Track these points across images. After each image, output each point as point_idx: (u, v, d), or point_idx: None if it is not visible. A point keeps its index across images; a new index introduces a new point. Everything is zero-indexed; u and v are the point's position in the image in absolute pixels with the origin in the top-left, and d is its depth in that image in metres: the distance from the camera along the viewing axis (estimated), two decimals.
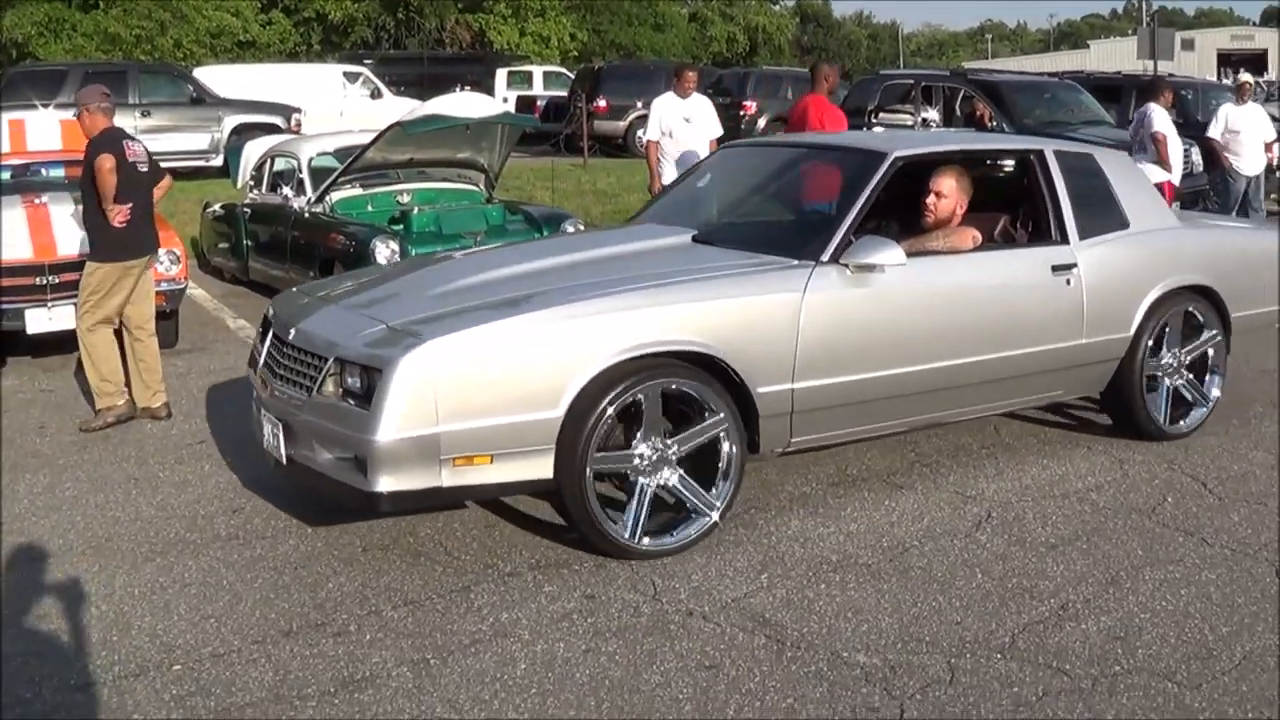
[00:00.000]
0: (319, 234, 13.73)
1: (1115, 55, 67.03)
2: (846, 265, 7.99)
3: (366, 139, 15.13)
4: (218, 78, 33.07)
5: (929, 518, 7.99)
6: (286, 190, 15.93)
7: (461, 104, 14.71)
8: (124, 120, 24.27)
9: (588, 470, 7.10)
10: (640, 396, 7.23)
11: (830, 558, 7.37)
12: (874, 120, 23.94)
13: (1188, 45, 78.20)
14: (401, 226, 13.91)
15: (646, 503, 7.36)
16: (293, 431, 7.52)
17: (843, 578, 7.07)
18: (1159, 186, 17.14)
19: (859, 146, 9.66)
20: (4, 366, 12.54)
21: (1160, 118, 17.07)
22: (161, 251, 12.65)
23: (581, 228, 14.94)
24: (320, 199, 14.76)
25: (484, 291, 7.82)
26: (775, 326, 7.73)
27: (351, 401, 7.02)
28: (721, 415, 7.48)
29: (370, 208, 14.78)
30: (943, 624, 6.46)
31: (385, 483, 6.84)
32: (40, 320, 12.37)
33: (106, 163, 10.16)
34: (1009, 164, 10.41)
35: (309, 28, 53.69)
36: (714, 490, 7.58)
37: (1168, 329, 9.64)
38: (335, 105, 35.11)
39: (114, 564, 7.46)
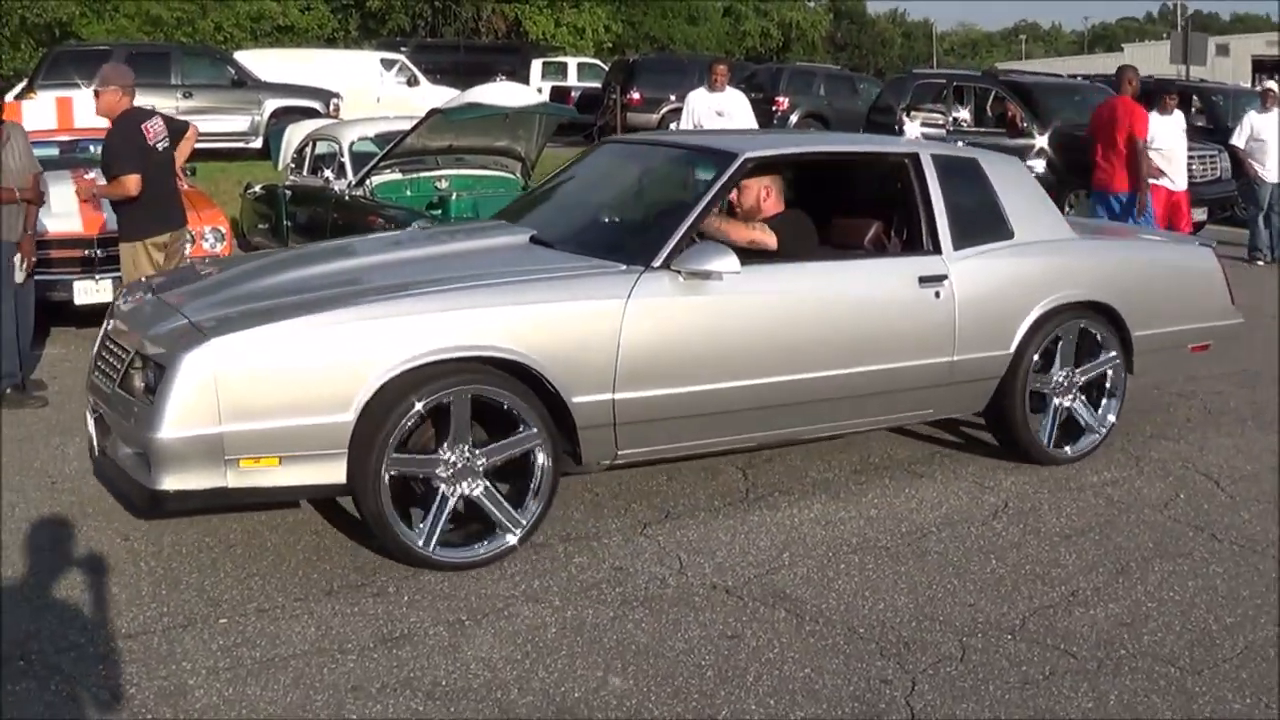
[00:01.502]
0: (359, 216, 13.79)
1: (1149, 59, 66.57)
2: (679, 271, 7.57)
3: (406, 125, 15.27)
4: (257, 62, 33.09)
5: (947, 505, 8.16)
6: (328, 173, 16.09)
7: (501, 93, 14.79)
8: (166, 101, 24.60)
9: (383, 476, 6.83)
10: (447, 402, 6.96)
11: (850, 540, 7.55)
12: (906, 119, 24.01)
13: (1222, 50, 77.26)
14: (439, 211, 14.01)
15: (445, 512, 7.07)
16: (103, 423, 7.44)
17: (862, 559, 7.25)
18: (1171, 197, 17.20)
19: (710, 146, 9.07)
20: (48, 336, 12.77)
21: (1154, 125, 16.97)
22: (207, 229, 12.93)
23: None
24: (361, 182, 14.87)
25: (300, 288, 7.52)
26: (594, 334, 7.31)
27: (143, 397, 6.81)
28: (535, 429, 7.14)
29: (409, 192, 14.86)
30: (956, 605, 6.64)
31: (168, 481, 6.60)
32: (87, 291, 12.62)
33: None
34: (884, 168, 9.47)
35: (347, 14, 53.78)
36: (522, 509, 7.25)
37: (1058, 347, 9.03)
38: (372, 91, 35.01)
39: (162, 524, 7.68)
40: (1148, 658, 6.10)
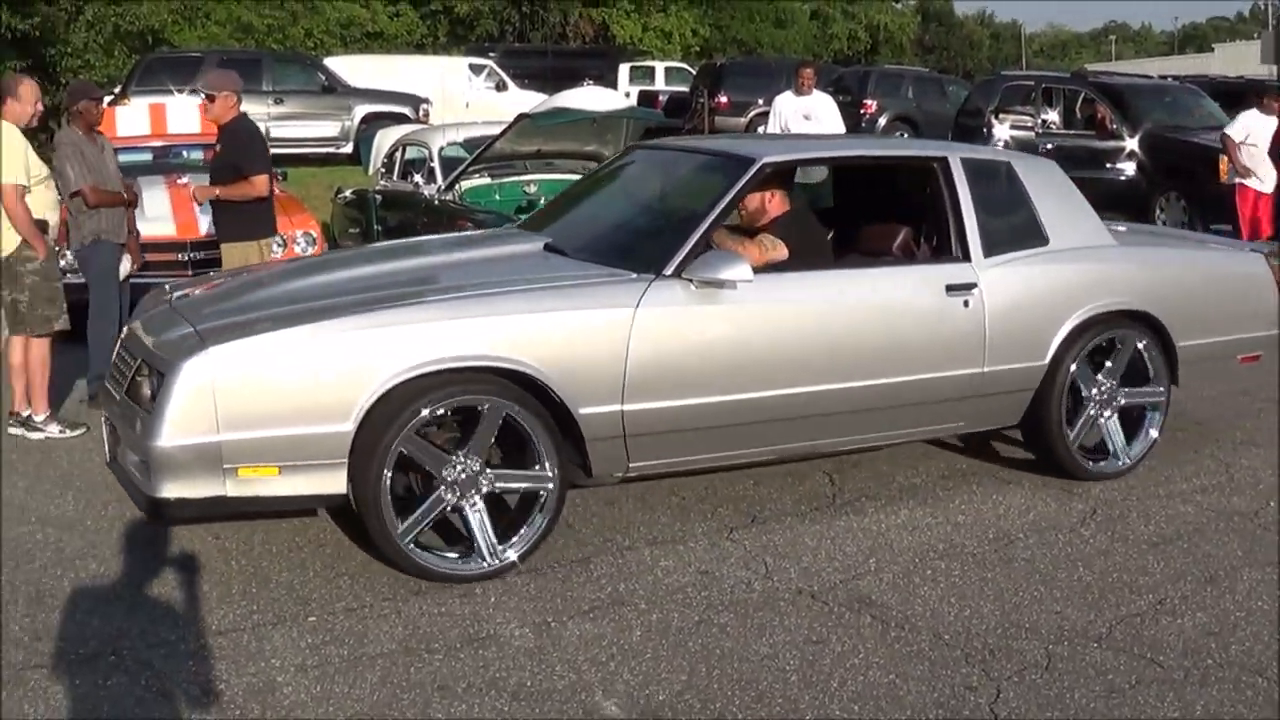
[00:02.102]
0: (448, 221, 13.80)
1: (1240, 59, 65.70)
2: (691, 280, 7.39)
3: (494, 130, 15.36)
4: (348, 68, 33.32)
5: (1035, 512, 8.10)
6: (417, 178, 16.20)
7: (588, 98, 14.86)
8: (257, 108, 24.77)
9: (384, 487, 6.76)
10: (445, 413, 6.91)
11: (937, 546, 7.53)
12: (995, 121, 23.88)
13: None
14: (528, 215, 14.10)
15: (434, 513, 6.98)
16: (115, 430, 7.38)
17: (948, 565, 7.23)
18: (1259, 198, 17.03)
19: (728, 152, 8.82)
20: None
21: (1244, 123, 16.75)
22: (298, 233, 13.07)
23: None
24: (450, 187, 14.95)
25: (308, 296, 7.51)
26: (601, 344, 7.14)
27: (147, 404, 6.75)
28: (550, 474, 7.05)
29: (498, 197, 14.93)
30: (1043, 613, 6.60)
31: (167, 489, 6.56)
32: None
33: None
34: (912, 173, 9.18)
35: (436, 20, 53.96)
36: (516, 536, 7.10)
37: (1097, 357, 8.74)
38: (461, 96, 35.22)
39: (252, 524, 7.77)
40: (1235, 668, 6.04)
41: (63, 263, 11.61)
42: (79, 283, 11.26)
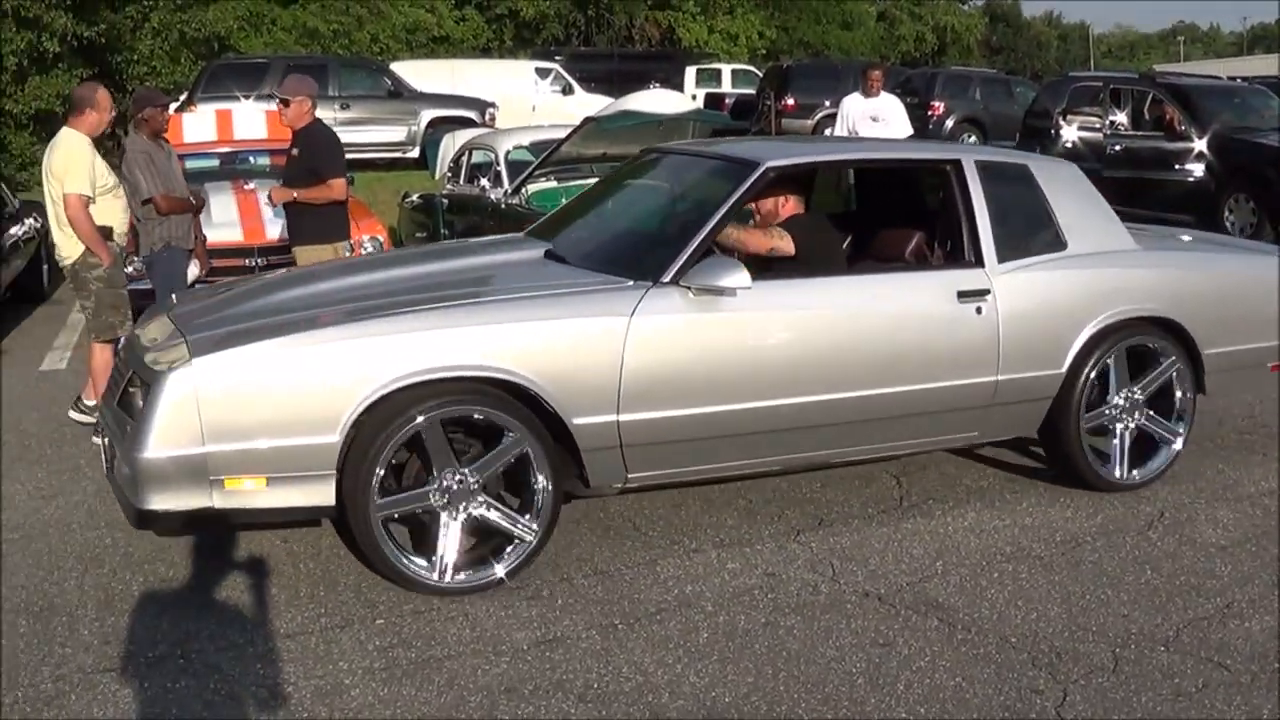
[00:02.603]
0: (514, 225, 13.84)
1: None
2: (689, 287, 7.20)
3: (561, 134, 15.42)
4: (414, 72, 33.42)
5: (1103, 515, 8.06)
6: (484, 182, 16.27)
7: (654, 100, 14.90)
8: (324, 113, 24.78)
9: (373, 498, 6.70)
10: (433, 423, 6.75)
11: (1004, 549, 7.52)
12: (1063, 122, 23.78)
13: None
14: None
15: (453, 539, 6.89)
16: (110, 442, 7.23)
17: (1015, 568, 7.22)
18: None
19: (732, 155, 8.53)
20: None
21: None
22: (365, 238, 13.16)
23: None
24: (516, 191, 15.01)
25: (301, 305, 7.44)
26: (595, 353, 6.98)
27: (136, 416, 6.68)
28: (518, 435, 6.86)
29: (564, 200, 14.97)
30: (1110, 616, 6.58)
31: (154, 501, 6.47)
32: None
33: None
34: (925, 176, 9.23)
35: (501, 24, 53.97)
36: (505, 551, 7.00)
37: (1117, 366, 8.42)
38: (527, 100, 35.28)
39: (320, 529, 7.84)
40: None
41: (130, 269, 11.74)
42: (147, 289, 11.37)
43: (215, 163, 16.89)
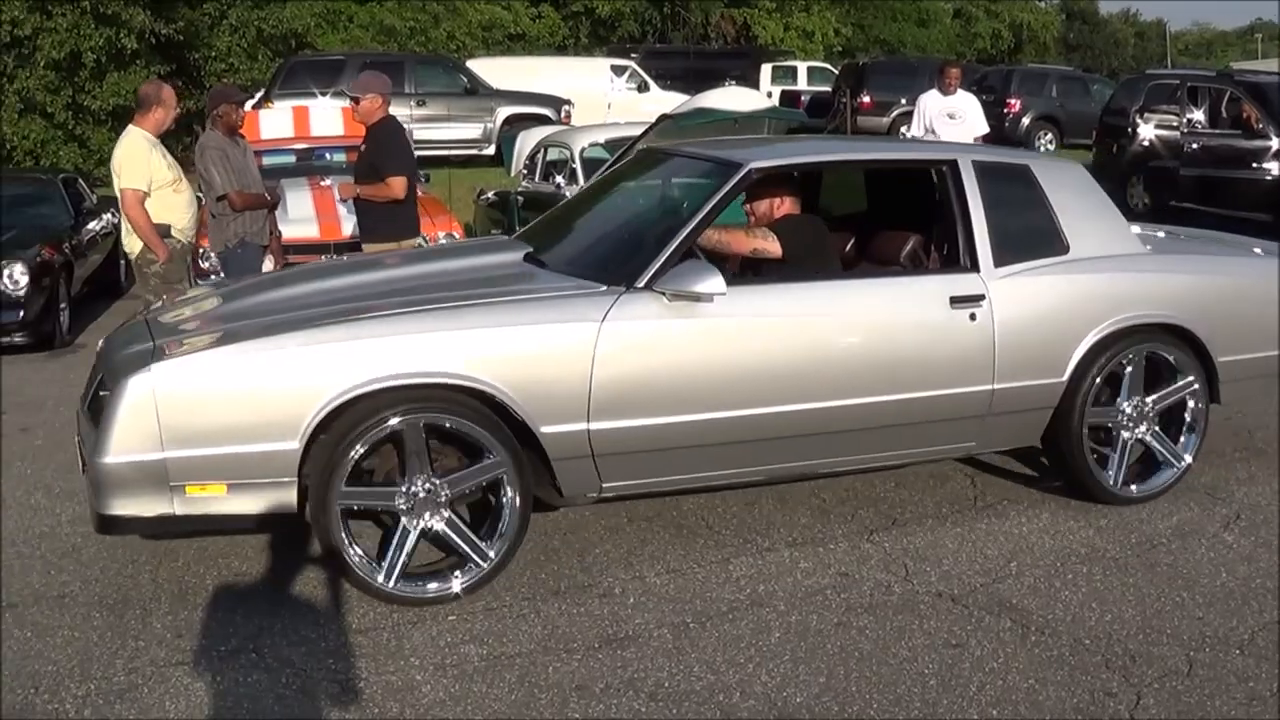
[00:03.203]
0: None
1: None
2: (664, 293, 6.97)
3: (636, 131, 15.40)
4: (490, 69, 33.50)
5: (1178, 516, 8.00)
6: (559, 179, 16.32)
7: (730, 98, 14.81)
8: (400, 110, 24.99)
9: (334, 505, 6.61)
10: (401, 430, 6.63)
11: (1078, 550, 7.47)
12: (1140, 120, 23.69)
13: None
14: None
15: (406, 547, 6.79)
16: (81, 444, 7.18)
17: (1089, 570, 7.17)
18: None
19: (717, 156, 8.13)
20: None
21: None
22: (440, 234, 13.21)
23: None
24: None
25: (270, 310, 7.33)
26: (564, 360, 6.78)
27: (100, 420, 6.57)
28: (498, 458, 6.75)
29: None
30: (1184, 618, 6.53)
31: (114, 506, 6.44)
32: None
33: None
34: (920, 177, 8.75)
35: (577, 22, 54.02)
36: (487, 542, 6.92)
37: (1127, 374, 8.14)
38: (603, 97, 35.33)
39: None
40: None
41: (206, 264, 11.83)
42: None
43: (291, 159, 16.99)
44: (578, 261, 7.72)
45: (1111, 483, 8.17)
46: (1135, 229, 9.33)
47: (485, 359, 6.66)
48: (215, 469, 6.43)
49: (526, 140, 19.31)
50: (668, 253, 7.11)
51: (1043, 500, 8.25)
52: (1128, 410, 8.21)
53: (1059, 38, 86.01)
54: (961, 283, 7.71)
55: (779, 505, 8.22)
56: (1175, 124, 22.53)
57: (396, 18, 43.55)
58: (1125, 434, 8.23)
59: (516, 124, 27.96)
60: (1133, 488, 8.26)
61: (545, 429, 6.77)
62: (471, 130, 30.19)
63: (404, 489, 6.78)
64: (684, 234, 7.24)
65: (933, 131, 16.16)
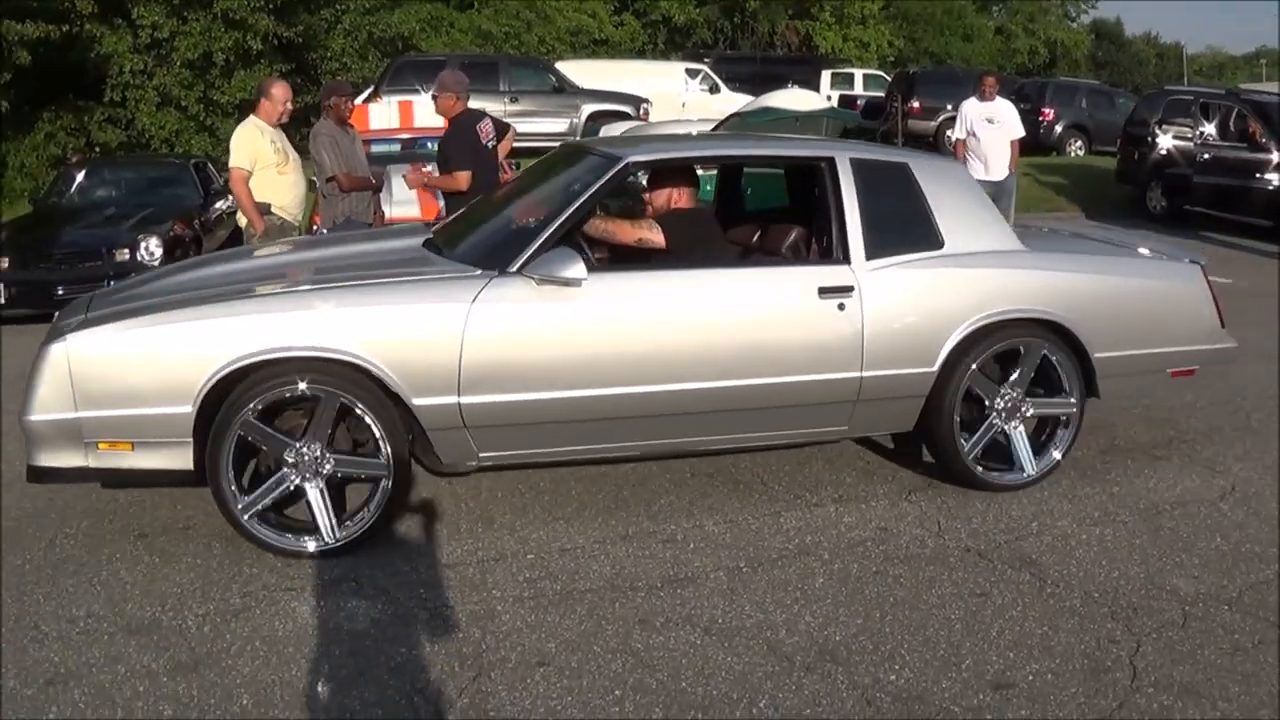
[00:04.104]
0: None
1: None
2: (533, 277, 6.82)
3: (707, 128, 15.45)
4: (576, 71, 33.48)
5: (1181, 487, 7.98)
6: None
7: (792, 99, 14.89)
8: (494, 105, 25.13)
9: (224, 465, 6.60)
10: (302, 396, 6.65)
11: (1093, 513, 7.47)
12: (1159, 131, 23.64)
13: None
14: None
15: (276, 491, 6.77)
16: None
17: (1101, 531, 7.19)
18: None
19: (602, 151, 7.83)
20: None
21: None
22: (530, 220, 13.24)
23: None
24: None
25: (184, 288, 7.32)
26: (435, 338, 6.66)
27: None
28: (383, 463, 6.76)
29: (709, 187, 15.03)
30: (1182, 577, 6.54)
31: (41, 458, 6.56)
32: None
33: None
34: (801, 173, 8.62)
35: (656, 29, 53.87)
36: (354, 519, 6.89)
37: (999, 366, 7.85)
38: (678, 97, 35.31)
39: (480, 474, 8.01)
40: None
41: None
42: None
43: (397, 148, 17.14)
44: (467, 249, 7.51)
45: (1026, 474, 7.89)
46: (1046, 226, 9.44)
47: (360, 335, 6.59)
48: (122, 428, 6.50)
49: (608, 134, 19.32)
50: (540, 240, 6.95)
51: (1063, 469, 8.17)
52: (1000, 405, 7.86)
53: (1089, 55, 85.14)
54: (832, 274, 7.41)
55: (827, 465, 8.26)
56: (1190, 136, 22.50)
57: (493, 23, 43.67)
58: (995, 419, 7.88)
59: (599, 120, 28.02)
60: (1005, 475, 7.89)
61: (418, 401, 6.69)
62: (559, 124, 30.18)
63: (298, 446, 6.75)
64: (557, 223, 7.06)
65: (974, 134, 16.16)
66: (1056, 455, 8.01)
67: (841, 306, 7.30)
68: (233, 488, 6.64)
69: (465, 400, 6.73)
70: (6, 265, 14.38)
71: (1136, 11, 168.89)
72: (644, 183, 8.86)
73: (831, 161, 7.69)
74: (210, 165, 20.05)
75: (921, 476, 8.09)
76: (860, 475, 8.06)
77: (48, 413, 6.45)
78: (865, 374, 7.37)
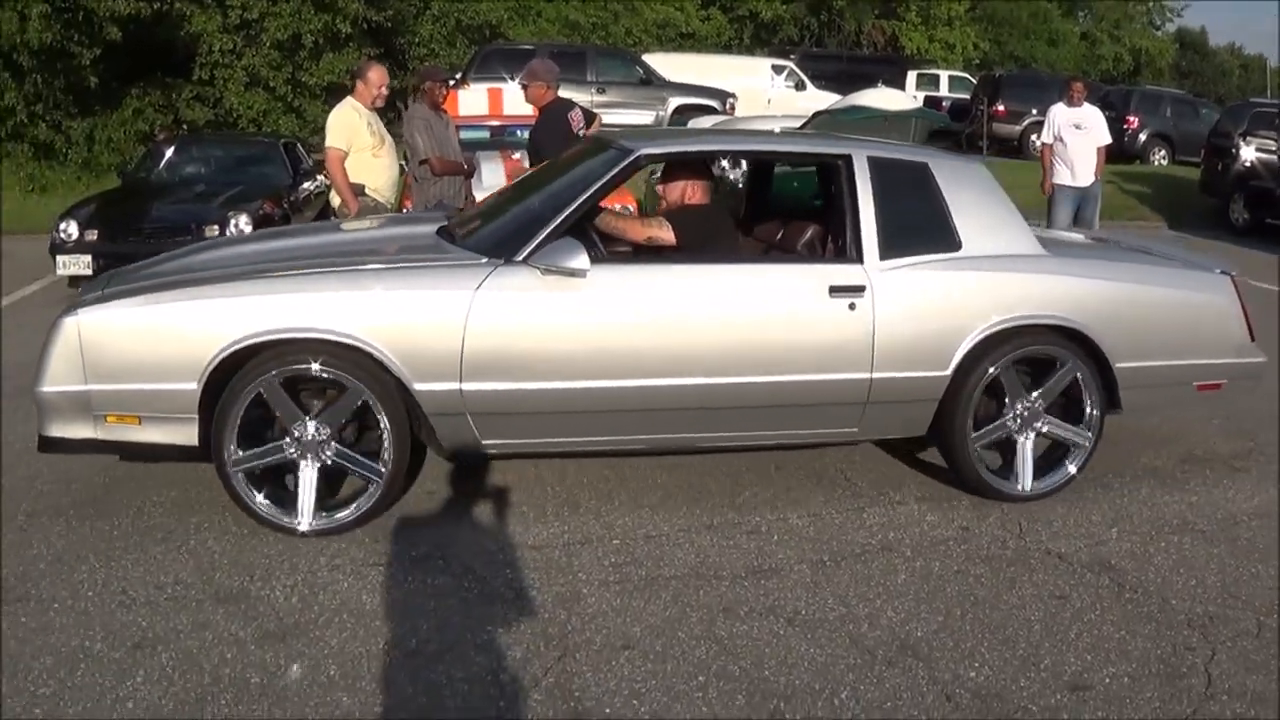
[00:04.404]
0: None
1: None
2: (538, 267, 6.81)
3: (793, 124, 15.49)
4: (663, 63, 33.48)
5: (1259, 498, 7.95)
6: (724, 163, 16.44)
7: (882, 98, 14.88)
8: (581, 95, 25.19)
9: (231, 445, 6.70)
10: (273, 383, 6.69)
11: (1171, 521, 7.47)
12: (1242, 142, 23.52)
13: None
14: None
15: (309, 486, 6.86)
16: None
17: (1180, 539, 7.18)
18: None
19: (616, 144, 7.68)
20: None
21: None
22: (616, 206, 13.29)
23: None
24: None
25: (203, 267, 7.41)
26: (438, 324, 6.68)
27: None
28: (363, 385, 6.71)
29: (796, 185, 15.02)
30: (1258, 587, 6.54)
31: (51, 428, 6.71)
32: None
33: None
34: (819, 170, 8.77)
35: (742, 24, 53.75)
36: (335, 512, 6.94)
37: (1017, 373, 7.61)
38: (763, 93, 35.22)
39: (566, 461, 8.11)
40: None
41: None
42: None
43: (486, 134, 17.30)
44: (477, 237, 7.45)
45: (1020, 487, 7.69)
46: (1077, 235, 9.47)
47: (364, 319, 6.64)
48: (129, 403, 6.62)
49: (695, 128, 19.39)
50: (547, 230, 6.94)
51: (1143, 476, 8.24)
52: (1020, 410, 7.68)
53: (1173, 64, 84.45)
54: (843, 273, 7.26)
55: (914, 464, 8.30)
56: (1274, 149, 22.38)
57: (581, 14, 43.68)
58: (1021, 438, 7.72)
59: (686, 113, 28.05)
60: (1004, 485, 7.69)
61: (419, 386, 6.72)
62: (645, 117, 30.17)
63: (288, 440, 6.85)
64: (565, 214, 7.04)
65: (1061, 140, 16.11)
66: (1072, 469, 7.82)
67: (852, 306, 7.17)
68: (232, 445, 6.72)
69: (467, 387, 6.75)
70: (96, 238, 14.52)
71: (1221, 22, 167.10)
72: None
73: (849, 159, 7.54)
74: (300, 145, 20.21)
75: None
76: (944, 474, 8.04)
77: (58, 384, 6.60)
78: (876, 375, 7.24)
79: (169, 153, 18.63)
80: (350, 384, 6.69)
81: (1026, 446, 7.71)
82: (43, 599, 6.08)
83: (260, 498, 6.86)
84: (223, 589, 6.19)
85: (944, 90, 45.27)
